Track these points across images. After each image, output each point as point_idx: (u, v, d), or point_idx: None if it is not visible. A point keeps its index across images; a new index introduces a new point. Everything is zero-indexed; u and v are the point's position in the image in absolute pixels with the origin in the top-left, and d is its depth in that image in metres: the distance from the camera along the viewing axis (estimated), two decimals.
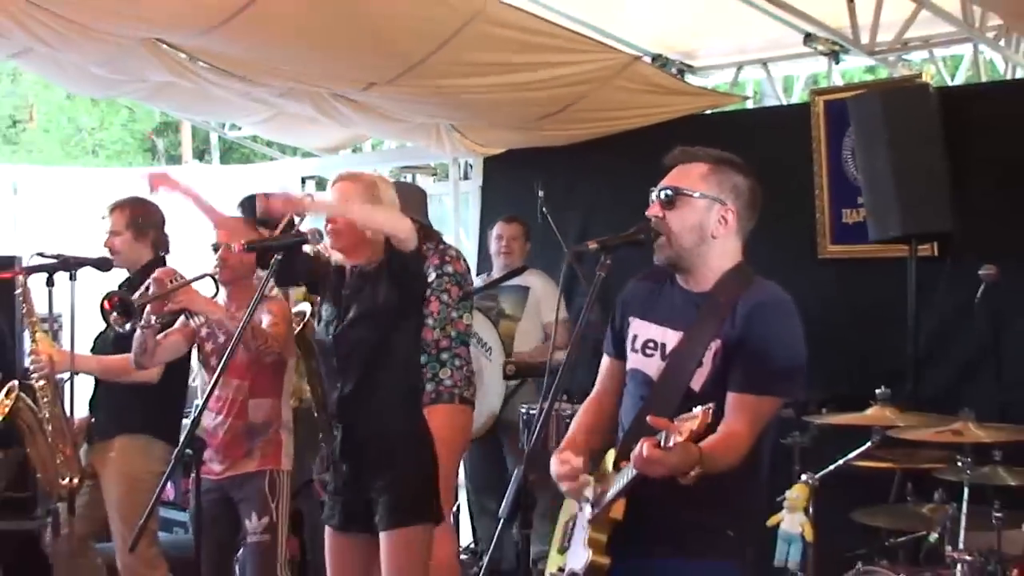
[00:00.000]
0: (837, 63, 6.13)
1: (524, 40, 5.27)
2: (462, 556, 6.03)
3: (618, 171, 6.14)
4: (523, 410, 5.41)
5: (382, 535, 3.59)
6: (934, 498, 4.07)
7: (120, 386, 4.53)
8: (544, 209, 6.01)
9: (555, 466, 2.80)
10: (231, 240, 4.22)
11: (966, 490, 3.83)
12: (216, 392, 3.99)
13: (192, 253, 4.57)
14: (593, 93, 5.84)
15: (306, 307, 4.92)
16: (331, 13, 4.84)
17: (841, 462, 4.11)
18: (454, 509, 5.74)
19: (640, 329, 2.87)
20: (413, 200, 4.51)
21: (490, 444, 5.87)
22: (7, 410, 4.49)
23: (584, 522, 2.74)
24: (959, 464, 3.89)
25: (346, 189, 3.66)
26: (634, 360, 2.87)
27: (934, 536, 3.95)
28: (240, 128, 8.39)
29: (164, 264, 4.50)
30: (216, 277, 4.31)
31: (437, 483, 3.74)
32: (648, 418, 2.47)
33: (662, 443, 2.39)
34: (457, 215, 7.71)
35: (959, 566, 3.73)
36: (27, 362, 4.59)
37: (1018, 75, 5.73)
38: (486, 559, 2.87)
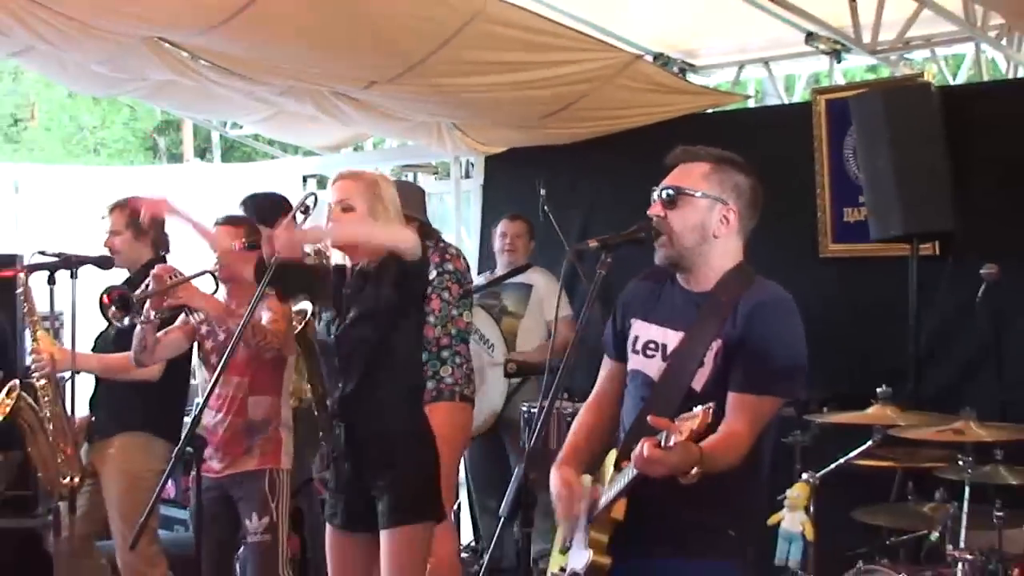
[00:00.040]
0: (839, 62, 6.12)
1: (525, 39, 5.26)
2: (463, 554, 6.03)
3: (619, 170, 6.14)
4: (524, 408, 5.41)
5: (383, 533, 3.58)
6: (935, 497, 4.07)
7: (121, 385, 4.54)
8: (545, 207, 6.01)
9: (556, 485, 2.80)
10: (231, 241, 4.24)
11: (967, 489, 3.83)
12: (216, 390, 4.00)
13: (192, 252, 4.57)
14: (595, 92, 5.84)
15: (308, 305, 4.92)
16: (332, 12, 4.84)
17: (842, 461, 4.11)
18: (455, 507, 5.74)
19: (641, 330, 2.87)
20: (412, 198, 4.52)
21: (492, 442, 5.87)
22: (8, 409, 4.49)
23: (585, 522, 2.74)
24: (960, 463, 3.88)
25: (347, 188, 3.65)
26: (635, 361, 2.87)
27: (935, 535, 3.94)
28: (241, 127, 8.39)
29: (164, 263, 4.50)
30: (216, 274, 4.32)
31: (439, 482, 3.74)
32: (648, 418, 2.47)
33: (662, 443, 2.39)
34: (458, 214, 7.70)
35: (960, 565, 3.73)
36: (28, 360, 4.59)
37: (1020, 74, 5.73)
38: (487, 557, 2.87)
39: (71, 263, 4.31)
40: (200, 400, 4.03)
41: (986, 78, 5.90)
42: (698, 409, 2.39)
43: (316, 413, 4.93)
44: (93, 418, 4.68)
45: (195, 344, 4.44)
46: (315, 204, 3.70)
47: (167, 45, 5.33)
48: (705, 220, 2.76)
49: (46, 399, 4.49)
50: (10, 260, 5.12)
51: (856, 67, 7.33)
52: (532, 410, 5.33)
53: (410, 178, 8.30)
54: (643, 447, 2.42)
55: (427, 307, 4.41)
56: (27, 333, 4.62)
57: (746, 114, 6.46)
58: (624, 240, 2.78)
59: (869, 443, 4.12)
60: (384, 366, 3.59)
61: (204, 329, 4.36)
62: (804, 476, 3.91)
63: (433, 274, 4.55)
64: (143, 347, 4.23)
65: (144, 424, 4.52)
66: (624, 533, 2.68)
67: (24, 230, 7.93)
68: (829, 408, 4.55)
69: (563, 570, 2.80)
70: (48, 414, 4.48)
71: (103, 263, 4.55)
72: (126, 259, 4.62)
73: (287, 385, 4.40)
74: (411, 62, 5.32)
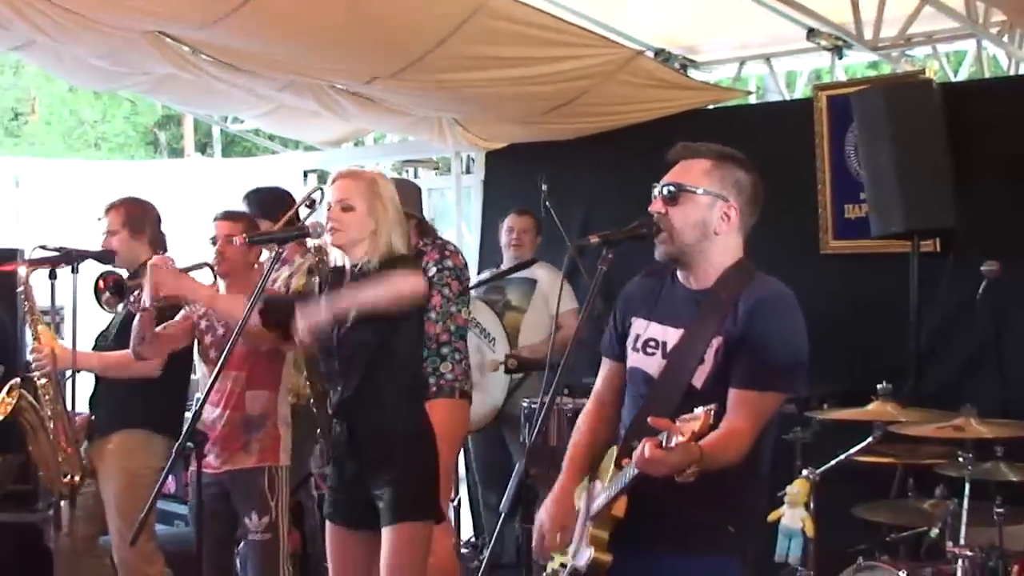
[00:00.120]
0: (840, 58, 6.11)
1: (527, 34, 5.26)
2: (463, 550, 6.03)
3: (621, 165, 6.13)
4: (524, 404, 5.41)
5: (384, 530, 3.58)
6: (935, 494, 4.08)
7: (121, 383, 4.53)
8: (547, 203, 6.01)
9: (545, 519, 2.81)
10: (230, 234, 4.24)
11: (967, 486, 3.82)
12: (215, 385, 4.00)
13: (189, 250, 4.58)
14: (596, 88, 5.84)
15: None
16: (333, 7, 4.83)
17: (842, 457, 4.12)
18: (454, 503, 5.74)
19: (641, 328, 2.87)
20: (409, 196, 4.52)
21: (493, 437, 5.87)
22: (10, 408, 4.48)
23: (586, 519, 2.74)
24: (960, 460, 3.88)
25: (346, 187, 3.64)
26: (634, 359, 2.86)
27: (935, 532, 3.95)
28: (242, 121, 8.39)
29: None
30: (214, 268, 4.33)
31: (439, 481, 3.75)
32: (649, 419, 2.46)
33: (664, 443, 2.39)
34: (459, 209, 7.69)
35: (960, 562, 3.73)
36: (28, 355, 4.59)
37: (1021, 71, 5.73)
38: (487, 553, 2.87)
39: (72, 257, 4.31)
40: (200, 395, 4.03)
41: (987, 75, 5.90)
42: (700, 410, 2.39)
43: (315, 411, 4.93)
44: (93, 416, 4.68)
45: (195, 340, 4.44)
46: (321, 199, 3.70)
47: (168, 40, 5.33)
48: (706, 217, 2.76)
49: (47, 398, 4.48)
50: (11, 254, 5.12)
51: (857, 63, 7.31)
52: (532, 405, 5.33)
53: (411, 173, 8.30)
54: (644, 447, 2.42)
55: (428, 304, 4.41)
56: (27, 329, 4.61)
57: (747, 110, 6.45)
58: (625, 236, 2.79)
59: (869, 439, 4.13)
60: (385, 367, 3.59)
61: (203, 324, 4.36)
62: (804, 472, 3.92)
63: (433, 271, 4.55)
64: (141, 339, 4.23)
65: (144, 421, 4.52)
66: (625, 530, 2.68)
67: (25, 224, 7.92)
68: (830, 404, 4.54)
69: (563, 566, 2.80)
70: (49, 413, 4.47)
71: (104, 258, 4.55)
72: (124, 258, 4.61)
73: (285, 381, 4.41)
74: (413, 57, 5.31)
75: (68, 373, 4.47)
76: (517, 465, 2.70)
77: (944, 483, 4.03)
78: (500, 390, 5.62)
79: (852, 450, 4.12)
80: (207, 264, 4.35)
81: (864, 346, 5.30)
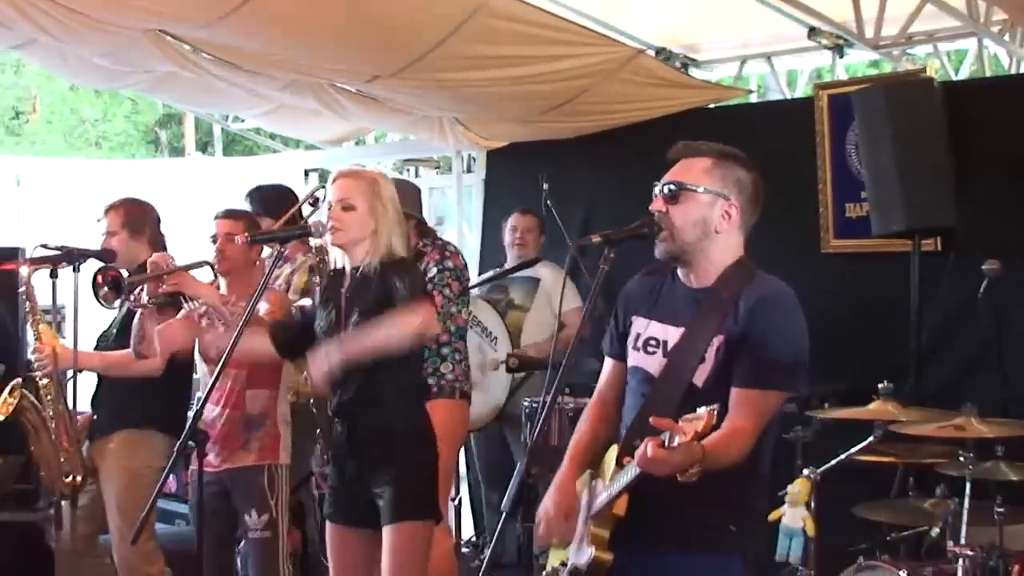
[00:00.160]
0: (841, 57, 6.11)
1: (528, 33, 5.26)
2: (464, 549, 6.04)
3: (622, 164, 6.13)
4: (525, 403, 5.41)
5: (385, 529, 3.58)
6: (936, 493, 4.08)
7: (122, 383, 4.53)
8: (548, 202, 6.01)
9: (549, 506, 2.80)
10: (231, 233, 4.24)
11: (968, 485, 3.83)
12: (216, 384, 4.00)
13: (190, 249, 4.58)
14: (597, 86, 5.83)
15: (308, 302, 4.92)
16: (334, 7, 4.84)
17: (843, 457, 4.12)
18: (455, 502, 5.75)
19: (642, 327, 2.87)
20: (408, 196, 4.52)
21: (495, 436, 5.87)
22: (12, 408, 4.48)
23: (586, 518, 2.74)
24: (961, 459, 3.88)
25: (347, 186, 3.65)
26: (635, 358, 2.86)
27: (936, 531, 3.95)
28: (243, 120, 8.39)
29: None
30: (214, 267, 4.33)
31: (438, 481, 3.76)
32: (651, 420, 2.46)
33: (666, 443, 2.39)
34: (460, 208, 7.69)
35: (961, 561, 3.73)
36: (30, 355, 4.59)
37: (1022, 70, 5.72)
38: (488, 552, 2.87)
39: (74, 257, 4.31)
40: (201, 394, 4.03)
41: (988, 74, 5.89)
42: (703, 410, 2.39)
43: (315, 411, 4.93)
44: (94, 416, 4.68)
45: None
46: (324, 197, 3.70)
47: (169, 38, 5.33)
48: (707, 215, 2.76)
49: (49, 398, 4.47)
50: (12, 253, 5.12)
51: (858, 62, 7.31)
52: (534, 404, 5.33)
53: (412, 172, 8.30)
54: (647, 447, 2.42)
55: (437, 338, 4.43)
56: (29, 328, 4.61)
57: (748, 109, 6.45)
58: (626, 235, 2.79)
59: (870, 439, 4.13)
60: (385, 367, 3.58)
61: (204, 323, 4.36)
62: (805, 472, 3.92)
63: (434, 271, 4.56)
64: (140, 337, 4.23)
65: (146, 420, 4.51)
66: (626, 529, 2.68)
67: (26, 223, 7.92)
68: (830, 404, 4.54)
69: (564, 564, 2.80)
70: (51, 413, 4.47)
71: (105, 256, 4.55)
72: (124, 259, 4.60)
73: (285, 379, 4.41)
74: (413, 56, 5.31)
75: (70, 373, 4.47)
76: (518, 465, 2.70)
77: (945, 482, 4.03)
78: (502, 389, 5.62)
79: (853, 449, 4.12)
80: (207, 262, 4.35)
81: (865, 345, 5.30)
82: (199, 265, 4.32)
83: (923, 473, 4.30)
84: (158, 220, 4.75)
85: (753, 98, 6.78)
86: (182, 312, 4.39)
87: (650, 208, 2.80)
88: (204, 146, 11.62)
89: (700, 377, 2.71)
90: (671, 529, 2.69)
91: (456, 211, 7.73)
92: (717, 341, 2.70)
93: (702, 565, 2.72)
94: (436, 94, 5.99)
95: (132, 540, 3.83)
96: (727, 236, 2.78)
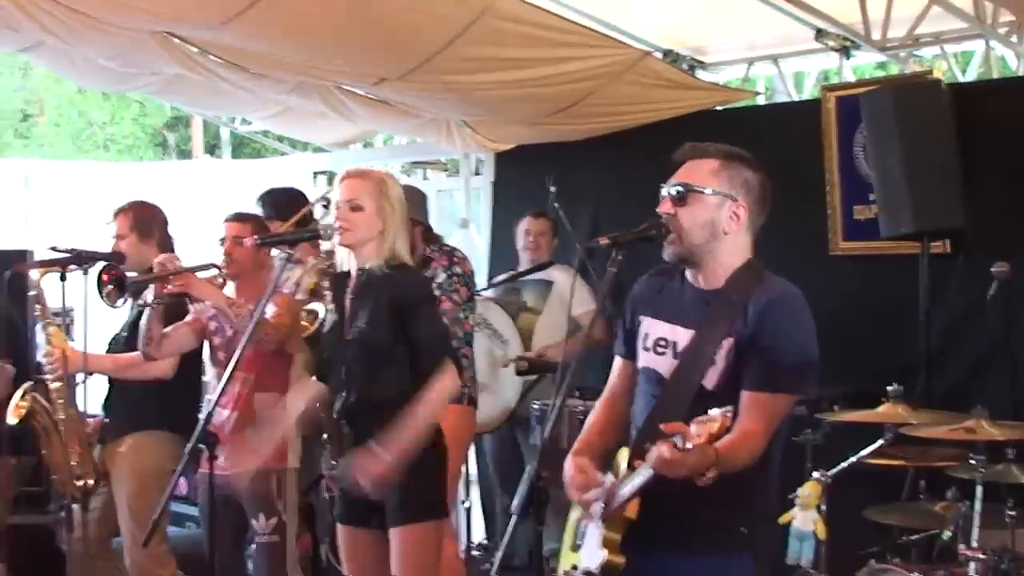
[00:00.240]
0: (848, 59, 6.10)
1: (535, 35, 5.26)
2: (475, 552, 6.03)
3: (629, 166, 6.13)
4: (535, 406, 5.40)
5: (392, 531, 3.58)
6: (947, 496, 4.06)
7: (133, 386, 4.54)
8: (556, 204, 6.01)
9: (569, 471, 2.79)
10: (239, 236, 4.25)
11: (979, 488, 3.81)
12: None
13: (198, 252, 4.59)
14: (604, 88, 5.83)
15: (318, 307, 4.92)
16: (342, 8, 4.84)
17: (853, 459, 4.10)
18: (466, 505, 5.75)
19: (651, 327, 2.87)
20: (413, 201, 4.52)
21: (506, 438, 5.86)
22: (24, 412, 4.49)
23: (597, 520, 2.74)
24: (972, 462, 3.87)
25: (355, 187, 3.65)
26: (646, 358, 2.86)
27: (947, 534, 3.93)
28: (251, 123, 8.40)
29: None
30: (222, 270, 4.33)
31: (446, 483, 3.76)
32: (662, 426, 2.45)
33: (680, 445, 2.39)
34: (469, 211, 7.70)
35: (972, 564, 3.72)
36: (41, 358, 4.60)
37: None
38: (499, 555, 2.87)
39: (83, 259, 4.32)
40: (211, 397, 4.03)
41: (996, 75, 5.88)
42: (716, 412, 2.38)
43: (321, 414, 4.93)
44: (106, 420, 4.68)
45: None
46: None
47: (176, 40, 5.33)
48: (715, 217, 2.76)
49: (60, 401, 4.48)
50: (21, 256, 5.13)
51: (866, 64, 7.30)
52: (544, 407, 5.32)
53: (420, 175, 8.31)
54: (662, 449, 2.41)
55: (439, 308, 4.41)
56: (39, 330, 4.61)
57: (755, 111, 6.44)
58: (635, 237, 2.79)
59: (880, 442, 4.12)
60: (390, 371, 3.59)
61: (212, 326, 4.36)
62: (815, 475, 3.91)
63: (443, 277, 4.57)
64: (148, 339, 4.24)
65: (158, 422, 4.52)
66: (637, 532, 2.68)
67: (34, 226, 7.94)
68: (840, 406, 4.54)
69: (575, 568, 2.79)
70: (62, 416, 4.48)
71: (114, 259, 4.55)
72: (133, 262, 4.61)
73: (294, 383, 4.40)
74: (421, 59, 5.31)
75: (81, 377, 4.47)
76: (528, 467, 2.69)
77: (956, 485, 4.01)
78: (513, 391, 5.61)
79: (863, 452, 4.11)
80: (215, 265, 4.35)
81: (874, 347, 5.29)
82: (205, 268, 4.33)
83: (934, 476, 4.28)
84: (167, 223, 4.76)
85: (760, 100, 6.77)
86: (190, 315, 4.39)
87: (658, 210, 2.80)
88: (212, 149, 11.63)
89: (710, 379, 2.70)
90: (683, 531, 2.69)
91: (465, 213, 7.73)
92: (727, 343, 2.70)
93: (715, 566, 2.72)
94: (443, 96, 6.00)
95: (144, 543, 3.84)
96: (735, 237, 2.78)
